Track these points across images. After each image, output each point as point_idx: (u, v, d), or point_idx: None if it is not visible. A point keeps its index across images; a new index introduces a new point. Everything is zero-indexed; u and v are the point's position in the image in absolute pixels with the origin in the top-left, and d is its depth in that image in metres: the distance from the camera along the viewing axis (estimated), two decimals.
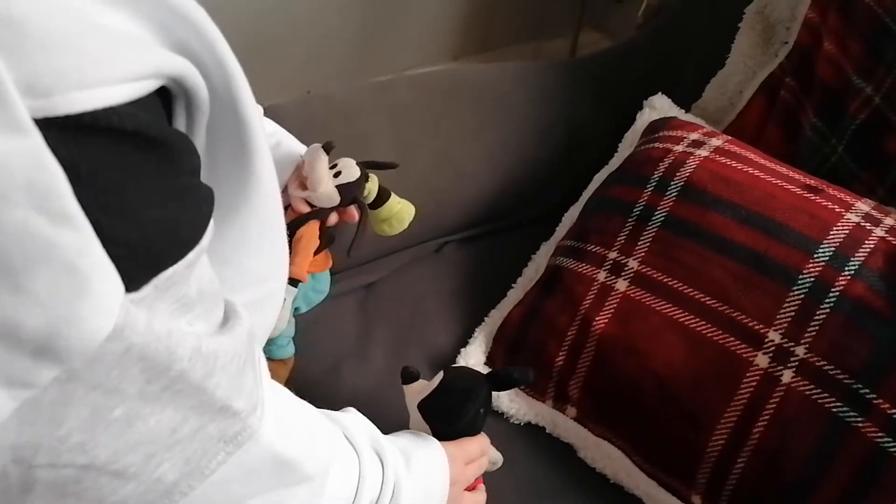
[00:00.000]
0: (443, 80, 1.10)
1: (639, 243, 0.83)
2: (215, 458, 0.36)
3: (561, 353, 0.84)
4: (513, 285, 0.99)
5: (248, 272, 0.45)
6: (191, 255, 0.33)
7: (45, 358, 0.27)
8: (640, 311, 0.81)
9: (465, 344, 0.92)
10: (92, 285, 0.27)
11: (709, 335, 0.77)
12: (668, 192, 0.84)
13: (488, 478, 0.76)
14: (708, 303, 0.78)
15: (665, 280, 0.80)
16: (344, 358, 0.92)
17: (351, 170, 0.78)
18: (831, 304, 0.73)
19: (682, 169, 0.85)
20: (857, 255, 0.75)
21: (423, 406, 0.69)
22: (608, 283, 0.84)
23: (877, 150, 0.90)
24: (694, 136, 0.89)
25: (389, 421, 0.85)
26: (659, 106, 1.03)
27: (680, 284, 0.80)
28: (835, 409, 0.71)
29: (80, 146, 0.28)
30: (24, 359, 0.27)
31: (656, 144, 0.91)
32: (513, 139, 1.08)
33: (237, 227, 0.42)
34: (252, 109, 0.39)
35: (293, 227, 0.78)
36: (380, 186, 0.82)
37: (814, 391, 0.72)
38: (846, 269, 0.74)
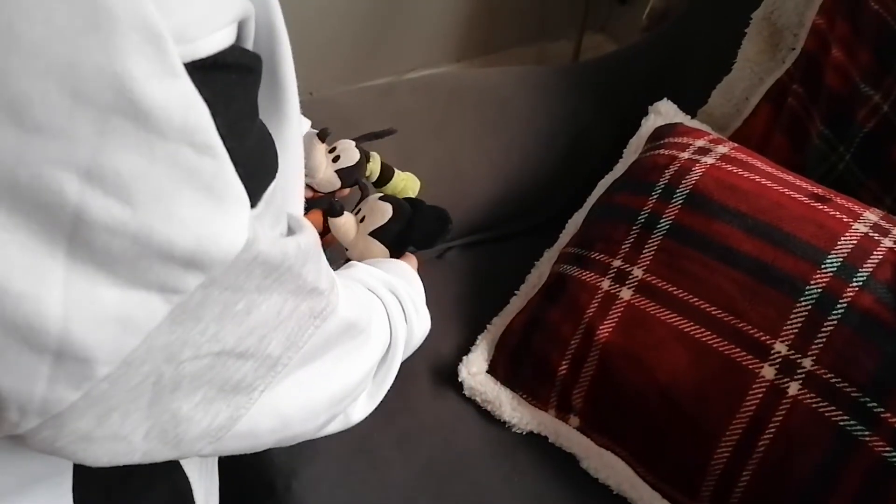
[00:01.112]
0: (446, 85, 1.09)
1: (644, 252, 0.82)
2: (307, 331, 0.43)
3: (564, 362, 0.83)
4: (515, 292, 0.98)
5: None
6: (278, 168, 0.39)
7: (194, 268, 0.31)
8: (645, 320, 0.80)
9: (467, 351, 0.92)
10: (228, 205, 0.32)
11: (714, 345, 0.76)
12: (674, 200, 0.83)
13: (488, 492, 0.76)
14: (713, 313, 0.77)
15: (670, 289, 0.80)
16: None
17: (350, 152, 0.78)
18: (838, 316, 0.72)
19: (687, 176, 0.84)
20: (865, 266, 0.74)
21: (394, 231, 0.73)
22: (612, 291, 0.83)
23: (885, 159, 0.89)
24: (700, 142, 0.89)
25: (393, 429, 0.85)
26: (664, 111, 1.02)
27: (685, 294, 0.79)
28: (842, 423, 0.70)
29: (216, 83, 0.32)
30: (177, 270, 0.31)
31: (662, 151, 0.90)
32: (516, 144, 1.07)
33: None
34: (286, 50, 0.42)
35: None
36: (382, 164, 0.81)
37: (820, 404, 0.71)
38: (854, 280, 0.73)
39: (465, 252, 1.08)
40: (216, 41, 0.32)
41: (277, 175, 0.39)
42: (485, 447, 0.85)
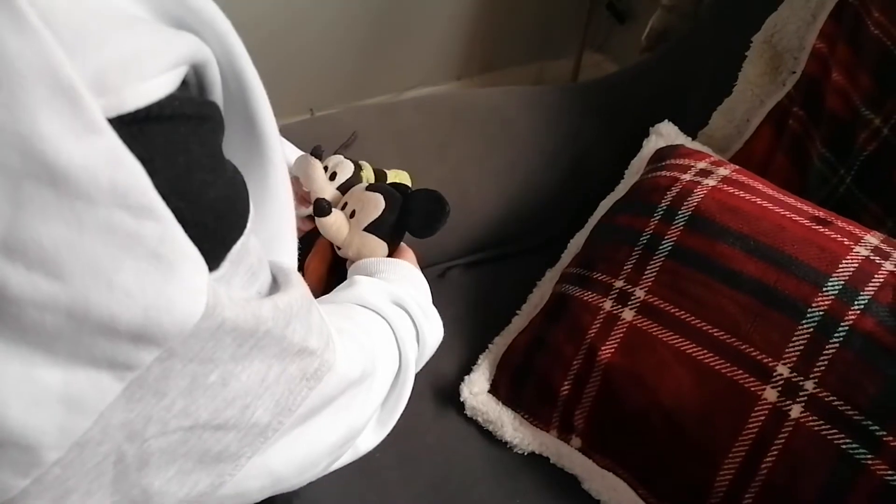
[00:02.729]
0: (449, 104, 1.09)
1: (646, 272, 0.83)
2: (300, 394, 0.39)
3: (566, 382, 0.83)
4: (517, 312, 0.98)
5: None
6: (249, 225, 0.35)
7: (146, 342, 0.29)
8: (647, 341, 0.80)
9: (468, 371, 0.92)
10: (179, 271, 0.29)
11: (716, 367, 0.76)
12: (676, 222, 0.84)
13: None
14: (716, 334, 0.77)
15: (672, 310, 0.80)
16: None
17: (344, 166, 0.74)
18: (840, 339, 0.73)
19: (689, 198, 0.84)
20: (866, 289, 0.74)
21: (390, 223, 0.69)
22: (614, 312, 0.83)
23: (886, 181, 0.89)
24: (701, 164, 0.89)
25: (394, 449, 0.84)
26: (666, 133, 1.03)
27: (687, 315, 0.79)
28: (844, 446, 0.70)
29: (150, 137, 0.29)
30: (126, 345, 0.28)
31: (663, 172, 0.91)
32: (518, 164, 1.07)
33: (258, 219, 0.42)
34: (261, 95, 0.38)
35: (302, 246, 0.76)
36: (374, 170, 0.79)
37: (823, 427, 0.71)
38: (855, 303, 0.74)
39: (467, 271, 1.09)
40: (148, 90, 0.29)
41: (249, 229, 0.36)
42: (487, 468, 0.85)
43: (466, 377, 0.90)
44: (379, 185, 0.72)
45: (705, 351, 0.77)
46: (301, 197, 0.73)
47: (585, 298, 0.86)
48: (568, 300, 0.88)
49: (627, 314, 0.82)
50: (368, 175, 0.77)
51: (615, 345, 0.81)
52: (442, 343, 0.97)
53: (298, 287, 0.39)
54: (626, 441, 0.81)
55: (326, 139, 0.99)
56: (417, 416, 0.89)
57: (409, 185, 0.80)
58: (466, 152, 1.05)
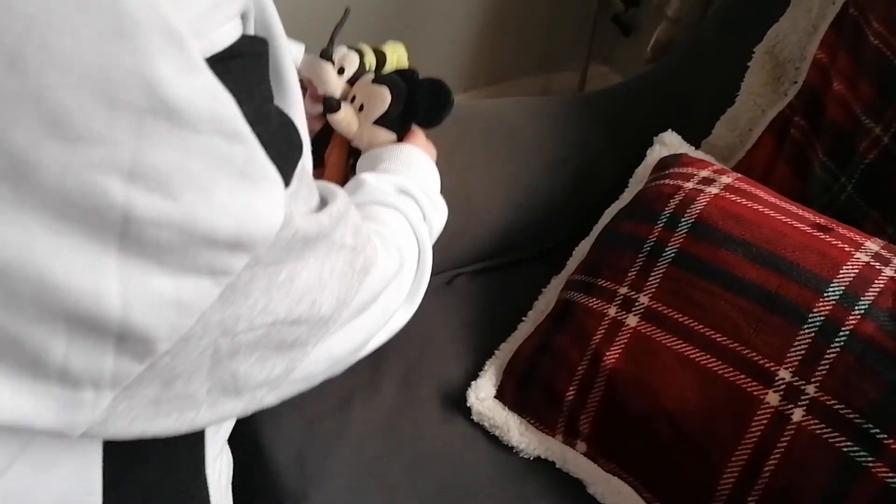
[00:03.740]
0: (455, 114, 1.10)
1: (649, 279, 0.84)
2: (352, 288, 0.45)
3: (571, 388, 0.84)
4: (523, 319, 0.99)
5: None
6: (306, 143, 0.41)
7: (239, 250, 0.34)
8: (651, 347, 0.81)
9: (475, 376, 0.93)
10: (262, 187, 0.34)
11: (719, 372, 0.77)
12: (679, 229, 0.85)
13: None
14: (718, 340, 0.78)
15: (676, 316, 0.81)
16: (355, 390, 0.92)
17: (350, 58, 0.76)
18: (841, 344, 0.74)
19: (692, 206, 0.86)
20: (866, 294, 0.75)
21: (396, 115, 0.72)
22: (619, 318, 0.84)
23: (886, 189, 0.90)
24: (704, 173, 0.90)
25: (402, 454, 0.85)
26: (669, 142, 1.04)
27: (690, 321, 0.80)
28: (846, 449, 0.71)
29: (236, 73, 0.34)
30: (224, 254, 0.34)
31: (667, 181, 0.92)
32: (524, 173, 1.09)
33: None
34: (284, 45, 0.43)
35: (320, 142, 0.78)
36: (373, 50, 0.81)
37: (824, 430, 0.72)
38: (856, 308, 0.75)
39: (473, 279, 1.10)
40: (227, 33, 0.34)
41: (304, 150, 0.41)
42: (493, 472, 0.86)
43: (473, 383, 0.91)
44: (385, 76, 0.74)
45: (708, 356, 0.78)
46: (313, 95, 0.76)
47: (590, 305, 0.87)
48: (573, 307, 0.89)
49: (631, 320, 0.83)
50: (370, 60, 0.79)
51: (619, 350, 0.82)
52: (449, 349, 0.99)
53: (342, 196, 0.45)
54: (630, 445, 0.82)
55: None
56: (425, 421, 0.90)
57: (406, 58, 0.83)
58: (472, 161, 1.07)
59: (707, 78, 1.15)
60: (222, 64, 0.33)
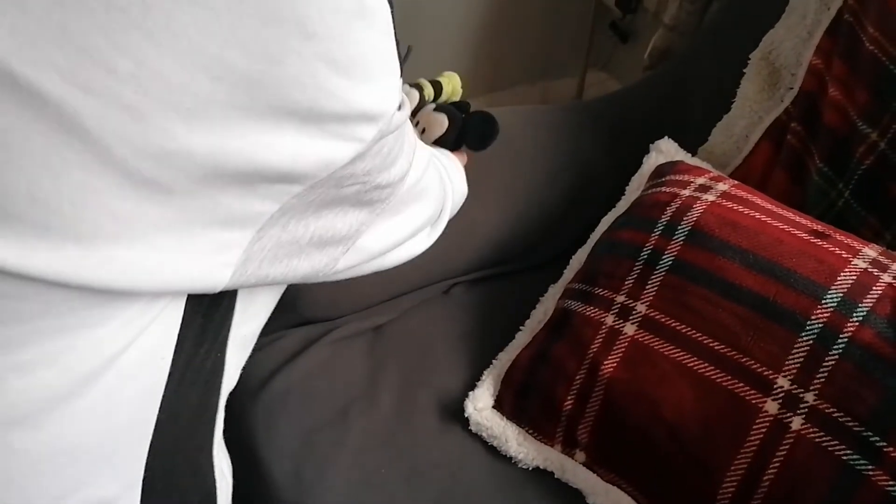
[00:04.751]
0: None
1: (647, 287, 0.84)
2: (425, 165, 0.59)
3: (569, 397, 0.84)
4: (521, 328, 0.99)
5: None
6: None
7: (375, 122, 0.42)
8: (649, 355, 0.81)
9: (473, 386, 0.92)
10: (394, 72, 0.43)
11: (718, 380, 0.77)
12: (676, 237, 0.85)
13: None
14: (717, 348, 0.78)
15: (673, 324, 0.81)
16: (352, 401, 0.92)
17: (411, 95, 0.88)
18: (840, 351, 0.73)
19: (689, 213, 0.86)
20: (864, 301, 0.75)
21: (451, 139, 0.84)
22: (616, 326, 0.84)
23: (883, 195, 0.90)
24: (700, 180, 0.90)
25: (400, 465, 0.85)
26: (665, 149, 1.04)
27: (688, 329, 0.80)
28: (845, 457, 0.71)
29: None
30: (365, 125, 0.42)
31: (663, 188, 0.92)
32: (522, 183, 1.09)
33: None
34: None
35: None
36: (431, 82, 0.92)
37: (824, 438, 0.72)
38: (854, 315, 0.74)
39: (471, 288, 1.10)
40: None
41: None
42: (492, 483, 0.86)
43: (471, 393, 0.91)
44: (444, 105, 0.87)
45: (706, 364, 0.78)
46: None
47: (588, 313, 0.87)
48: (570, 315, 0.89)
49: (629, 329, 0.83)
50: (429, 92, 0.90)
51: (617, 359, 0.82)
52: (446, 359, 0.98)
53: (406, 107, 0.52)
54: (629, 455, 0.81)
55: None
56: (423, 431, 0.90)
57: (459, 83, 0.95)
58: (470, 170, 1.07)
59: (704, 85, 1.15)
60: None
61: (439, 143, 0.84)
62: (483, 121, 0.85)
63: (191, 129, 0.36)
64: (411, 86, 0.89)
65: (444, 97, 0.94)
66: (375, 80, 0.41)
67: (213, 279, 0.42)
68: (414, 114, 0.87)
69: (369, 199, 0.50)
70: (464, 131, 0.85)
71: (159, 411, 0.49)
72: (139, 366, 0.46)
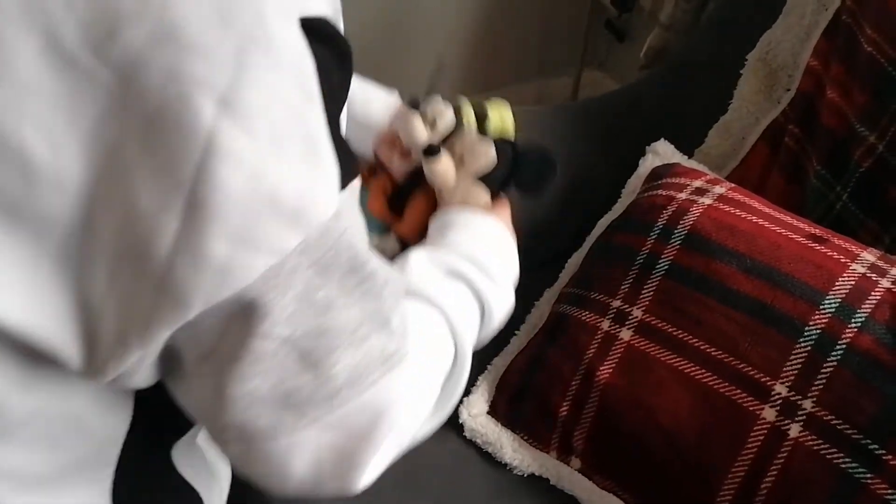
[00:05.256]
0: None
1: (643, 292, 0.83)
2: (372, 374, 0.41)
3: (565, 403, 0.83)
4: (516, 332, 0.98)
5: None
6: (357, 177, 0.40)
7: (294, 224, 0.33)
8: (645, 361, 0.80)
9: (467, 392, 0.92)
10: (324, 164, 0.34)
11: (715, 387, 0.76)
12: (672, 241, 0.84)
13: None
14: (714, 354, 0.77)
15: (670, 330, 0.80)
16: None
17: (443, 113, 0.69)
18: (838, 358, 0.72)
19: (685, 217, 0.85)
20: (863, 307, 0.74)
21: (499, 176, 0.67)
22: (612, 332, 0.83)
23: (882, 198, 0.89)
24: (697, 183, 0.89)
25: (394, 472, 0.84)
26: (662, 152, 1.03)
27: (685, 335, 0.79)
28: (843, 465, 0.70)
29: (320, 50, 0.34)
30: (279, 224, 0.33)
31: (659, 192, 0.91)
32: None
33: None
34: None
35: (404, 193, 0.72)
36: (473, 105, 0.74)
37: (822, 446, 0.71)
38: (853, 321, 0.73)
39: None
40: (318, 6, 0.35)
41: (359, 180, 0.41)
42: (487, 490, 0.85)
43: (465, 398, 0.90)
44: (488, 137, 0.70)
45: (703, 370, 0.77)
46: (401, 153, 0.71)
47: (583, 318, 0.86)
48: (566, 320, 0.88)
49: (625, 334, 0.82)
50: (469, 115, 0.72)
51: (613, 365, 0.81)
52: None
53: (398, 272, 0.44)
54: (625, 462, 0.81)
55: None
56: None
57: (512, 123, 0.76)
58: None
59: (700, 86, 1.14)
60: (311, 34, 0.34)
61: (485, 179, 0.67)
62: (542, 157, 0.69)
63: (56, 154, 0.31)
64: (447, 103, 0.71)
65: (489, 134, 0.74)
66: (292, 157, 0.33)
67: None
68: (446, 140, 0.69)
69: (290, 391, 0.39)
70: (516, 168, 0.68)
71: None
72: None
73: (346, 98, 0.40)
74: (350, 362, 0.40)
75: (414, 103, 0.68)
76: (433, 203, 0.69)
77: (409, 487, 0.84)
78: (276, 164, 0.32)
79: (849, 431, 0.70)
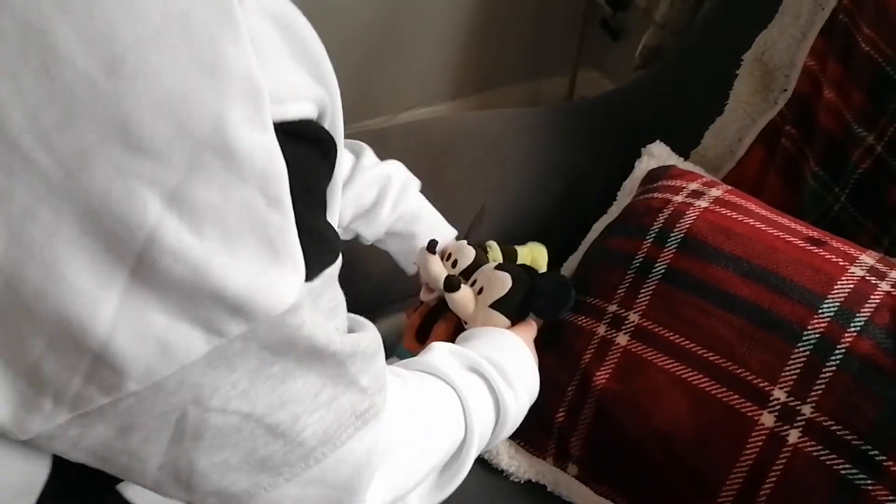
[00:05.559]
0: (440, 129, 1.09)
1: (639, 296, 0.82)
2: (346, 431, 0.42)
3: (561, 410, 0.82)
4: None
5: None
6: (338, 260, 0.40)
7: (239, 315, 0.33)
8: (642, 366, 0.79)
9: None
10: (284, 264, 0.34)
11: (712, 392, 0.75)
12: (668, 244, 0.83)
13: None
14: (711, 359, 0.76)
15: (667, 334, 0.79)
16: None
17: (465, 252, 0.80)
18: (837, 362, 0.72)
19: (681, 220, 0.84)
20: (862, 310, 0.73)
21: (515, 302, 0.75)
22: (608, 337, 0.82)
23: (881, 199, 0.89)
24: (693, 185, 0.88)
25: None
26: (657, 154, 1.02)
27: (682, 339, 0.78)
28: (843, 471, 0.69)
29: (297, 149, 0.35)
30: (225, 313, 0.33)
31: (655, 194, 0.90)
32: (510, 188, 1.07)
33: None
34: (343, 152, 0.45)
35: (430, 321, 0.81)
36: (502, 248, 0.84)
37: (821, 452, 0.70)
38: (852, 325, 0.73)
39: None
40: (301, 108, 0.37)
41: (338, 263, 0.41)
42: (483, 496, 0.84)
43: None
44: (509, 265, 0.78)
45: (700, 375, 0.76)
46: (426, 286, 0.81)
47: (579, 323, 0.85)
48: (561, 325, 0.87)
49: (622, 339, 0.81)
50: (495, 255, 0.84)
51: (609, 370, 0.80)
52: None
53: (371, 332, 0.44)
54: (623, 468, 0.80)
55: None
56: None
57: (545, 257, 0.88)
58: (459, 177, 1.05)
59: (696, 86, 1.13)
60: (287, 136, 0.34)
61: (500, 304, 0.74)
62: (557, 284, 0.77)
63: None
64: (470, 245, 0.81)
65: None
66: (246, 256, 0.32)
67: (6, 428, 0.34)
68: (470, 273, 0.79)
69: (262, 458, 0.39)
70: (532, 294, 0.75)
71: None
72: None
73: (326, 188, 0.40)
74: (319, 426, 0.40)
75: (431, 247, 0.77)
76: (457, 329, 0.77)
77: None
78: (222, 262, 0.32)
79: (848, 437, 0.70)
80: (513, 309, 0.75)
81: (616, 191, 1.04)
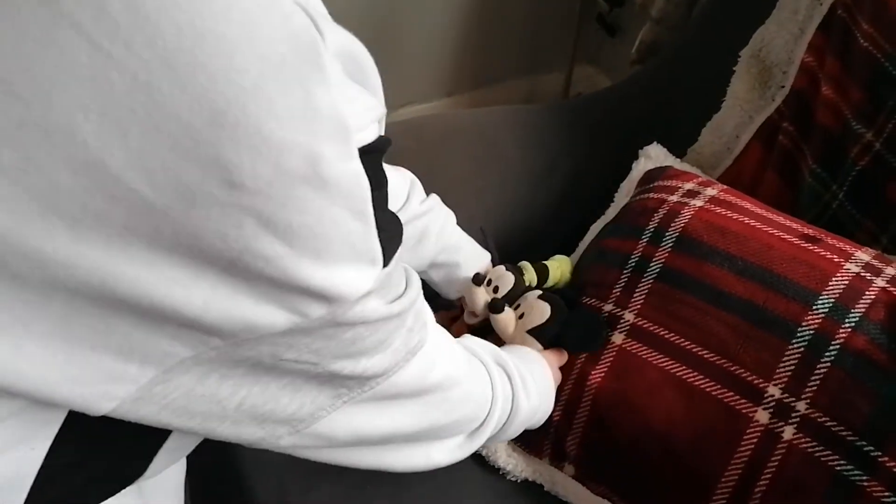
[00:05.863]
0: (436, 126, 1.09)
1: (635, 295, 0.82)
2: (399, 364, 0.48)
3: (557, 408, 0.82)
4: None
5: None
6: (397, 253, 0.44)
7: (322, 301, 0.37)
8: (637, 365, 0.79)
9: None
10: (365, 259, 0.39)
11: (707, 390, 0.75)
12: (664, 243, 0.83)
13: None
14: (706, 356, 0.76)
15: (662, 333, 0.79)
16: None
17: (504, 279, 0.86)
18: (832, 358, 0.72)
19: (677, 219, 0.84)
20: (857, 306, 0.73)
21: (551, 332, 0.81)
22: (604, 335, 0.82)
23: (879, 197, 0.88)
24: (689, 185, 0.88)
25: (385, 481, 0.83)
26: (654, 155, 1.02)
27: (677, 338, 0.78)
28: (838, 468, 0.69)
29: (373, 164, 0.39)
30: (307, 300, 0.37)
31: (651, 195, 0.90)
32: (507, 187, 1.07)
33: None
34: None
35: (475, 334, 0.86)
36: (534, 267, 0.90)
37: (816, 448, 0.70)
38: (846, 321, 0.73)
39: None
40: (372, 132, 0.41)
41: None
42: (480, 495, 0.84)
43: None
44: (550, 296, 0.84)
45: (696, 373, 0.76)
46: (470, 312, 0.88)
47: None
48: None
49: (617, 338, 0.81)
50: (531, 277, 0.89)
51: (605, 369, 0.80)
52: None
53: (416, 284, 0.49)
54: (619, 468, 0.80)
55: None
56: None
57: (569, 268, 0.94)
58: (455, 175, 1.05)
59: (692, 83, 1.13)
60: (366, 156, 0.38)
61: (536, 332, 0.80)
62: (587, 323, 0.82)
63: (77, 240, 0.32)
64: (508, 270, 0.87)
65: (550, 282, 0.92)
66: (332, 260, 0.37)
67: (87, 404, 0.37)
68: (514, 299, 0.85)
69: (330, 383, 0.45)
70: (566, 327, 0.81)
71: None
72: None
73: (386, 184, 0.45)
74: (379, 366, 0.46)
75: (478, 280, 0.85)
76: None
77: (400, 496, 0.83)
78: (311, 265, 0.36)
79: (843, 433, 0.70)
80: (547, 338, 0.80)
81: (613, 187, 1.04)
